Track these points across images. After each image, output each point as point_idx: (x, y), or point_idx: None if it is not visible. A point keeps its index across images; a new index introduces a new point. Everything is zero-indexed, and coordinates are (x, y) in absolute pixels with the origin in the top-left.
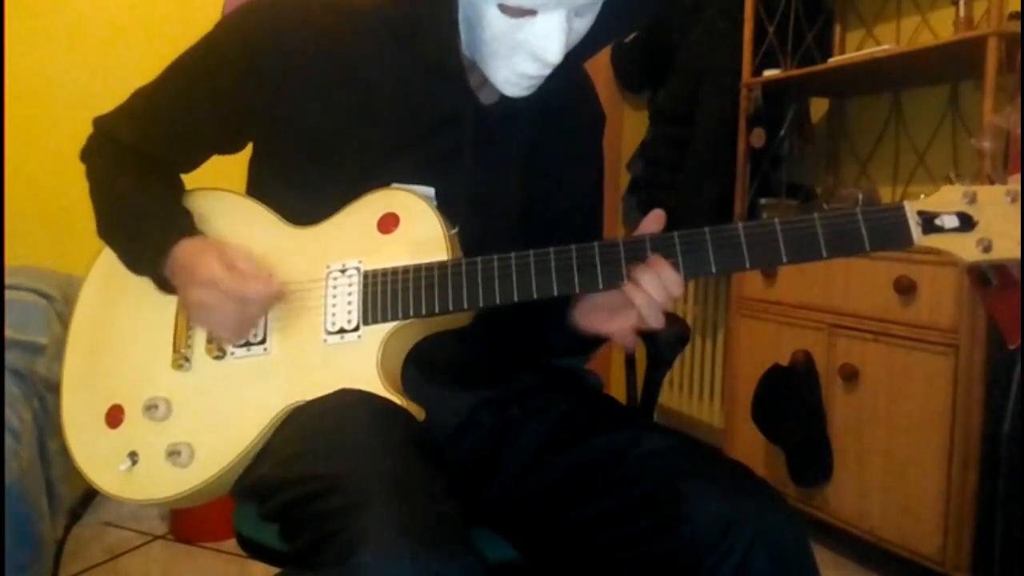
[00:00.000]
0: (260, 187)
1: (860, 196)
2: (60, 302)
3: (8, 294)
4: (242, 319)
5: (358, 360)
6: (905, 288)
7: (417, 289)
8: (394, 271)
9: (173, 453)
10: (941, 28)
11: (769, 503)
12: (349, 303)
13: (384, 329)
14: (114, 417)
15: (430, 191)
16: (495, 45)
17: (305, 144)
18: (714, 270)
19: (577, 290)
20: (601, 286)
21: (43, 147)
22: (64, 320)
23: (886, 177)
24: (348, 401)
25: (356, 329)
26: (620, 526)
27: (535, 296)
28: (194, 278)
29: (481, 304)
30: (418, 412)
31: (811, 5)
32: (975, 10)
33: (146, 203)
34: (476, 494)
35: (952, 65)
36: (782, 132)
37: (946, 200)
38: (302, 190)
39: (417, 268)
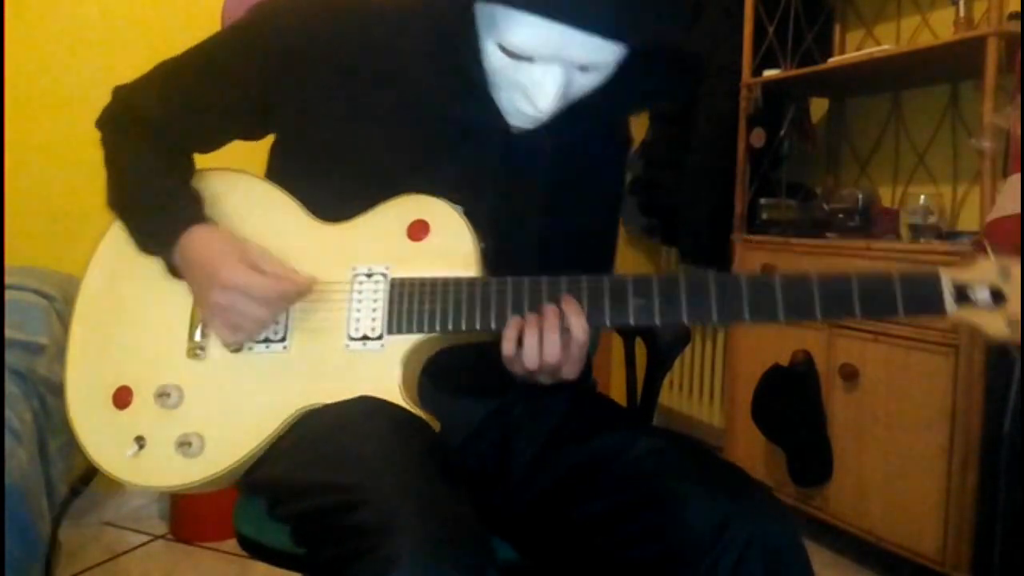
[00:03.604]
0: (281, 174)
1: (860, 196)
2: (60, 302)
3: (8, 294)
4: (265, 320)
5: (379, 370)
6: None
7: (444, 303)
8: (422, 282)
9: (183, 443)
10: (941, 28)
11: (764, 505)
12: (374, 310)
13: (409, 341)
14: (122, 399)
15: (459, 208)
16: (495, 78)
17: (333, 139)
18: (748, 318)
19: (608, 324)
20: (632, 321)
21: (43, 147)
22: (64, 320)
23: (886, 177)
24: (368, 409)
25: (380, 338)
26: (616, 526)
27: None
28: (216, 280)
29: None
30: (435, 424)
31: (811, 5)
32: (975, 10)
33: (158, 185)
34: (482, 499)
35: (952, 65)
36: (782, 132)
37: (980, 272)
38: (324, 184)
39: (445, 282)
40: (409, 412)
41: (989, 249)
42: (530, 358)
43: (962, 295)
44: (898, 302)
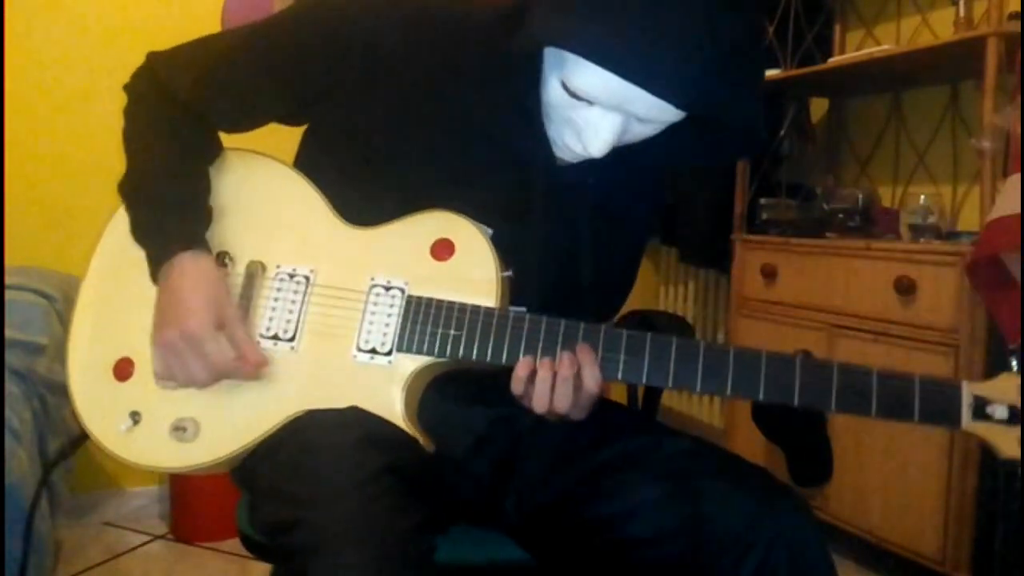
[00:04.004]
0: (310, 166)
1: (860, 196)
2: (60, 302)
3: (8, 294)
4: (201, 383)
5: (383, 386)
6: (905, 288)
7: (459, 330)
8: (438, 304)
9: (179, 428)
10: (941, 28)
11: (789, 506)
12: (387, 324)
13: (417, 361)
14: (123, 370)
15: (488, 231)
16: (550, 111)
17: (373, 142)
18: (762, 397)
19: (620, 378)
20: (644, 380)
21: (43, 147)
22: (64, 320)
23: (886, 177)
24: (346, 421)
25: (389, 353)
26: (640, 523)
27: None
28: (182, 324)
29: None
30: (427, 444)
31: (811, 5)
32: (975, 10)
33: (171, 189)
34: (494, 503)
35: (952, 65)
36: (782, 132)
37: (1002, 388)
38: (355, 185)
39: (462, 307)
40: (391, 426)
41: (1015, 365)
42: (540, 404)
43: (980, 410)
44: (915, 408)
